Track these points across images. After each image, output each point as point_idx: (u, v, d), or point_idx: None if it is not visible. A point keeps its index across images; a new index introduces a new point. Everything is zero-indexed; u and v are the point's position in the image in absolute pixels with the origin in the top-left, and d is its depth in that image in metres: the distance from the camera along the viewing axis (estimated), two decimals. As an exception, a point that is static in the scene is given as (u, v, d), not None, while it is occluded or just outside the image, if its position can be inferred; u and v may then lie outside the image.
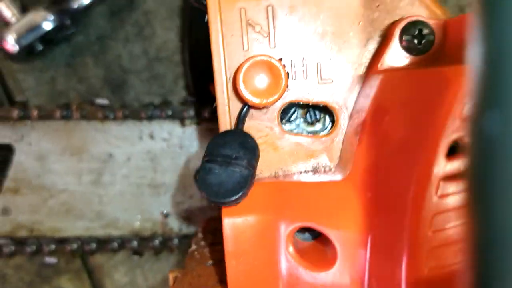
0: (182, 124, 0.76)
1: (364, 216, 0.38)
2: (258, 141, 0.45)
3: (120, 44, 0.87)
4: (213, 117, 0.77)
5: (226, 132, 0.44)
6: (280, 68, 0.42)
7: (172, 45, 0.88)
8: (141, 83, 0.86)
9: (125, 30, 0.87)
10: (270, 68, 0.42)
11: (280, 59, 0.43)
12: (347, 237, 0.38)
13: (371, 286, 0.37)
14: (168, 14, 0.87)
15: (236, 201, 0.41)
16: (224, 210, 0.42)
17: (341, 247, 0.38)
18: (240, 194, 0.40)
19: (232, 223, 0.41)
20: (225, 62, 0.44)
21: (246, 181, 0.41)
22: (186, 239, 0.77)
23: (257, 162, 0.43)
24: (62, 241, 0.77)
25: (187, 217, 0.77)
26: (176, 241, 0.77)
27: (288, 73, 0.43)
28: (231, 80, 0.44)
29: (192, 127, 0.77)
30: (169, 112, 0.76)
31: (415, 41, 0.42)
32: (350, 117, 0.45)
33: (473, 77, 0.14)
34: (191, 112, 0.76)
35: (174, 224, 0.77)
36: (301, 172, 0.46)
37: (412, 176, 0.33)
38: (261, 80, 0.42)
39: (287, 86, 0.43)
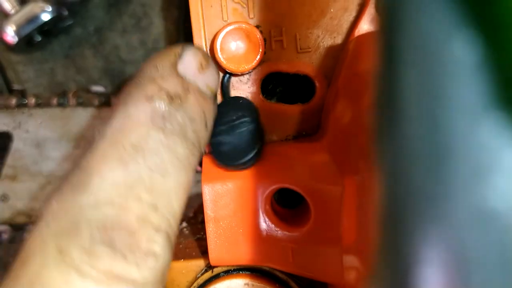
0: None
1: (338, 175, 0.38)
2: (239, 111, 0.45)
3: (118, 36, 0.88)
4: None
5: (218, 105, 0.44)
6: (257, 34, 0.42)
7: (169, 36, 0.89)
8: (138, 73, 0.87)
9: (122, 22, 0.88)
10: (247, 35, 0.43)
11: (257, 26, 0.44)
12: (321, 196, 0.38)
13: (345, 243, 0.37)
14: (164, 5, 0.89)
15: (256, 158, 0.41)
16: (203, 177, 0.43)
17: (314, 204, 0.38)
18: (255, 151, 0.41)
19: (211, 189, 0.42)
20: (205, 33, 0.45)
21: (254, 135, 0.41)
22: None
23: (258, 114, 0.43)
24: (59, 227, 0.78)
25: (182, 202, 0.78)
26: (171, 226, 0.77)
27: (265, 39, 0.44)
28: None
29: (187, 113, 0.77)
30: (164, 99, 0.77)
31: (391, 7, 0.43)
32: (329, 86, 0.45)
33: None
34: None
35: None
36: (282, 140, 0.46)
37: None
38: (239, 47, 0.43)
39: (265, 53, 0.44)
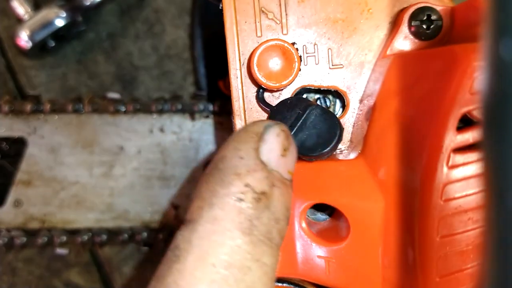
0: (192, 117, 0.78)
1: (376, 191, 0.39)
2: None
3: (131, 41, 0.88)
4: (223, 111, 0.79)
5: (274, 117, 0.44)
6: (293, 51, 0.43)
7: (182, 42, 0.89)
8: (151, 80, 0.88)
9: (135, 28, 0.88)
10: (283, 52, 0.43)
11: (293, 43, 0.45)
12: (359, 211, 0.39)
13: (384, 261, 0.38)
14: (177, 12, 0.89)
15: (339, 139, 0.42)
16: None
17: (353, 220, 0.39)
18: (338, 127, 0.41)
19: (247, 202, 0.43)
20: (239, 48, 0.46)
21: (327, 116, 0.41)
22: (195, 231, 0.78)
23: (313, 102, 0.43)
24: (73, 233, 0.78)
25: (196, 209, 0.79)
26: (185, 233, 0.78)
27: (300, 57, 0.45)
28: (244, 66, 0.46)
29: (202, 121, 0.78)
30: (179, 106, 0.77)
31: (424, 26, 0.44)
32: (361, 101, 0.46)
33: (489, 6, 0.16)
34: (201, 106, 0.77)
35: (184, 216, 0.79)
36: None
37: (423, 150, 0.34)
38: (275, 64, 0.44)
39: (300, 69, 0.45)
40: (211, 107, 0.78)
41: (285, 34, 0.46)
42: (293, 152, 0.37)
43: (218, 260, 0.30)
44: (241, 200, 0.32)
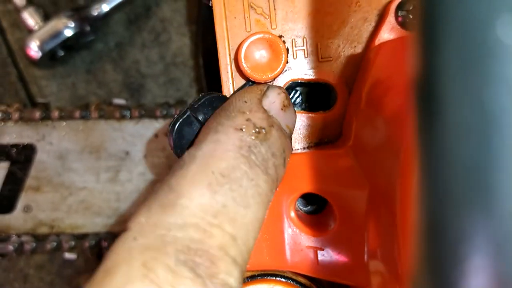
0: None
1: (362, 179, 0.39)
2: (262, 119, 0.46)
3: (138, 50, 0.90)
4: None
5: (222, 97, 0.44)
6: (280, 43, 0.43)
7: (187, 51, 0.91)
8: (158, 87, 0.89)
9: (142, 37, 0.90)
10: (270, 44, 0.44)
11: (280, 36, 0.45)
12: (345, 199, 0.39)
13: (370, 248, 0.38)
14: (183, 21, 0.91)
15: None
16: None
17: (339, 208, 0.39)
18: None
19: (236, 194, 0.43)
20: (229, 43, 0.47)
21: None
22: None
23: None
24: (81, 237, 0.79)
25: (201, 213, 0.79)
26: (191, 237, 0.78)
27: (288, 49, 0.45)
28: (234, 60, 0.47)
29: (206, 125, 0.79)
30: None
31: (411, 16, 0.44)
32: (351, 93, 0.46)
33: None
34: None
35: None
36: (304, 148, 0.47)
37: (406, 133, 0.34)
38: (262, 57, 0.44)
39: (287, 62, 0.45)
40: (215, 111, 0.78)
41: (274, 29, 0.46)
42: (292, 112, 0.41)
43: (217, 170, 0.34)
44: (242, 129, 0.36)
